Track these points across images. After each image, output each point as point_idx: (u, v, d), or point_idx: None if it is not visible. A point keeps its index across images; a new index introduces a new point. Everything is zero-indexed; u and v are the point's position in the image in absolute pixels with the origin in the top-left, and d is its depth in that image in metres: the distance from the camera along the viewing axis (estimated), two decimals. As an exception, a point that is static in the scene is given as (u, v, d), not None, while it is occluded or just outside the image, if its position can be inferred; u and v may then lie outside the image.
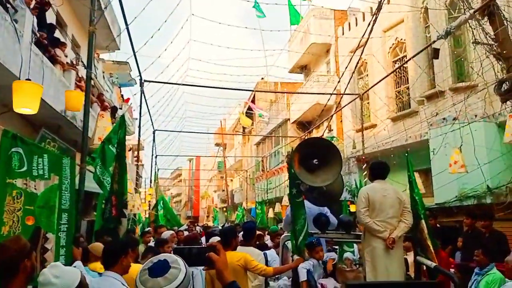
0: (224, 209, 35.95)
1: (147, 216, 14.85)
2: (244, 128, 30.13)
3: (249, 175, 29.69)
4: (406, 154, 5.13)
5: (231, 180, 37.80)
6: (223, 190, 36.08)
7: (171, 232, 8.00)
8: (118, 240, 4.50)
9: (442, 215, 9.11)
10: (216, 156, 35.37)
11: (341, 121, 15.99)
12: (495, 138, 8.65)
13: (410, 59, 8.49)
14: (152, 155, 17.25)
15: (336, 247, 5.78)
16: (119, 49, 14.90)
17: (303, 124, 19.74)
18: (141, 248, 5.97)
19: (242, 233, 5.15)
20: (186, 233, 9.55)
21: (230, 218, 28.51)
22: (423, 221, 4.67)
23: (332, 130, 16.81)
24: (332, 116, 14.34)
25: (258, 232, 6.71)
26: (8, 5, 5.62)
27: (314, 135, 16.39)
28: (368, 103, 13.92)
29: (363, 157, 10.40)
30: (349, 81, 10.77)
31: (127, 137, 8.96)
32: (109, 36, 12.51)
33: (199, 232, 12.52)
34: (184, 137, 29.99)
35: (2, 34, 5.35)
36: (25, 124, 8.11)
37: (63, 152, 7.64)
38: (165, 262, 1.48)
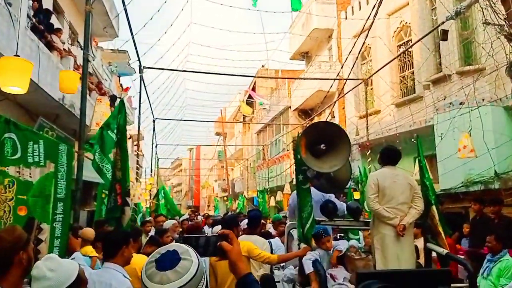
0: (225, 198, 35.88)
1: (148, 205, 14.76)
2: (244, 116, 29.90)
3: (250, 164, 29.55)
4: (416, 139, 4.97)
5: (232, 169, 37.70)
6: (224, 180, 36.02)
7: (173, 221, 7.88)
8: (120, 229, 4.35)
9: (448, 201, 8.98)
10: (217, 145, 35.18)
11: (344, 107, 15.77)
12: (503, 122, 8.49)
13: (418, 41, 8.26)
14: (152, 144, 17.09)
15: (342, 234, 5.64)
16: (117, 36, 14.65)
17: (305, 112, 19.54)
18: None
19: (246, 221, 5.02)
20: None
21: (232, 207, 28.45)
22: (434, 207, 4.54)
23: (335, 117, 16.61)
24: (335, 102, 14.12)
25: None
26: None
27: (316, 122, 16.18)
28: (371, 88, 13.70)
29: (368, 143, 10.23)
30: (353, 66, 10.54)
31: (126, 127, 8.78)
32: (107, 23, 12.27)
33: (200, 221, 12.44)
34: (184, 126, 29.79)
35: (-6, 17, 5.16)
36: (22, 113, 7.95)
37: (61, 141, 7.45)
38: (174, 253, 1.27)
